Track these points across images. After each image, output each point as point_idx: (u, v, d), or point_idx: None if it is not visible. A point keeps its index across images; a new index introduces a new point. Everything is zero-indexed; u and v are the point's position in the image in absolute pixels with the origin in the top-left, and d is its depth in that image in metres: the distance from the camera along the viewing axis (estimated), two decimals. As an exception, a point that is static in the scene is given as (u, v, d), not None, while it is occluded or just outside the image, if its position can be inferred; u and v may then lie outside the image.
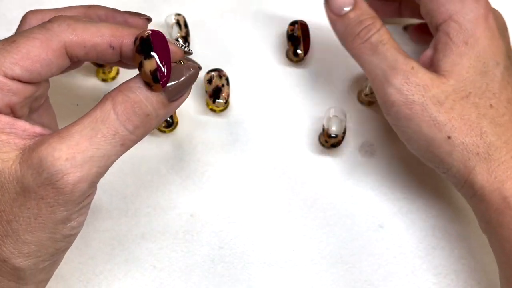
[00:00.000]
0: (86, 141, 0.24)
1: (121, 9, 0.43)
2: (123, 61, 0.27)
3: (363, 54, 0.34)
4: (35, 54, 0.25)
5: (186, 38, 0.40)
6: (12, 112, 0.26)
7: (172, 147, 0.40)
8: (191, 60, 0.31)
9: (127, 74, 0.42)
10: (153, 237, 0.38)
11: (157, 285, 0.37)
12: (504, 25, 0.35)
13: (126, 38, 0.26)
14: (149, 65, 0.25)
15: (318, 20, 0.44)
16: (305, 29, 0.42)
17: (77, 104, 0.40)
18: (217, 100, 0.38)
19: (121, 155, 0.26)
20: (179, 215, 0.38)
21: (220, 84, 0.39)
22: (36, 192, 0.24)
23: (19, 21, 0.30)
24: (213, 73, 0.39)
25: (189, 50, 0.29)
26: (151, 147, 0.40)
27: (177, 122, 0.40)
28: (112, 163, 0.26)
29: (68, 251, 0.37)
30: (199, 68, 0.28)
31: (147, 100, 0.25)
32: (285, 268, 0.38)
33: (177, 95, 0.26)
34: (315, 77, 0.43)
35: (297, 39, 0.41)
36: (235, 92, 0.42)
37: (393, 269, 0.38)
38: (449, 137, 0.31)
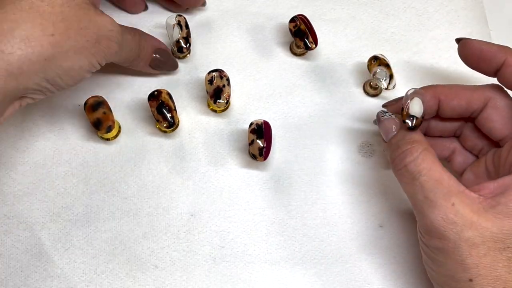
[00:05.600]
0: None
1: (121, 10, 0.44)
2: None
3: (401, 180, 0.33)
4: None
5: (187, 39, 0.40)
6: None
7: (173, 148, 0.40)
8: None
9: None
10: (154, 237, 0.38)
11: (158, 284, 0.37)
12: None
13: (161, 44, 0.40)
14: (258, 144, 0.37)
15: (315, 14, 0.45)
16: (307, 21, 0.42)
17: (79, 105, 0.40)
18: (218, 101, 0.39)
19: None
20: (180, 215, 0.39)
21: (221, 85, 0.39)
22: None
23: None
24: (214, 73, 0.39)
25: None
26: (152, 148, 0.40)
27: (178, 123, 0.41)
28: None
29: (70, 250, 0.37)
30: (177, 65, 0.42)
31: (145, 52, 0.39)
32: (286, 268, 0.38)
33: (155, 67, 0.40)
34: (315, 77, 0.43)
35: (304, 33, 0.41)
36: (236, 92, 0.42)
37: (392, 269, 0.39)
38: (470, 280, 0.30)
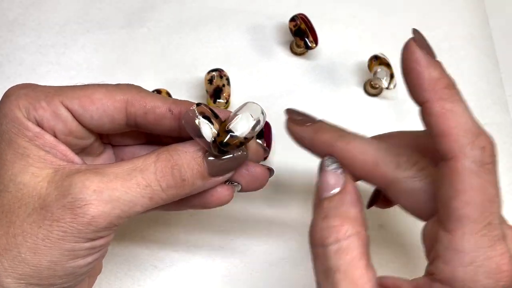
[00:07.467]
0: (119, 182, 0.24)
1: (121, 9, 0.44)
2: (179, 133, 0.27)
3: (314, 259, 0.26)
4: (97, 97, 0.26)
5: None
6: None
7: (172, 147, 0.40)
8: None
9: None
10: (154, 237, 0.38)
11: (157, 284, 0.37)
12: None
13: (185, 107, 0.26)
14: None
15: (316, 14, 0.44)
16: (307, 20, 0.42)
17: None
18: (218, 100, 0.38)
19: (147, 208, 0.25)
20: (179, 215, 0.38)
21: (220, 84, 0.39)
22: (54, 213, 0.23)
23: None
24: (213, 73, 0.39)
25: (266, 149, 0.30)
26: (151, 147, 0.40)
27: (177, 122, 0.40)
28: (135, 213, 0.25)
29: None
30: (246, 156, 0.27)
31: (187, 166, 0.25)
32: (286, 268, 0.38)
33: (218, 172, 0.26)
34: (315, 77, 0.43)
35: (304, 32, 0.41)
36: (236, 92, 0.42)
37: (393, 269, 0.38)
38: None
